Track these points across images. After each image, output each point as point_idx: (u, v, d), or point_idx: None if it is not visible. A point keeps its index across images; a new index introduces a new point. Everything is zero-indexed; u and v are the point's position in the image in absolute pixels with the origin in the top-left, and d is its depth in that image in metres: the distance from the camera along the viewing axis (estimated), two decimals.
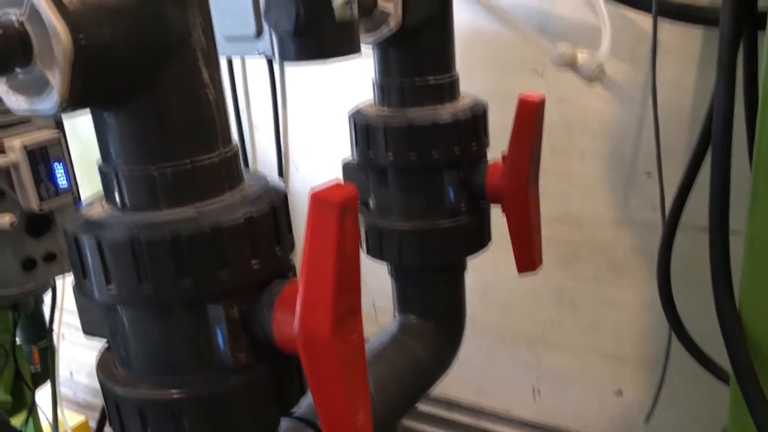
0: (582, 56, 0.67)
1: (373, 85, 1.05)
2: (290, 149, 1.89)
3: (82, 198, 1.23)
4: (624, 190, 1.47)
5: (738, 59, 1.00)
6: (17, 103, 0.57)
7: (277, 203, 0.68)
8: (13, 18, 0.53)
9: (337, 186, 0.59)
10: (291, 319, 0.62)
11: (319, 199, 0.58)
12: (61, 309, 1.78)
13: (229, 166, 0.67)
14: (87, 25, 0.54)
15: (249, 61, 1.84)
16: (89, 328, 0.72)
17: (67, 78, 0.53)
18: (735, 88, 1.03)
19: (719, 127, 1.00)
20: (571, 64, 0.68)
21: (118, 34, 0.56)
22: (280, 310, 0.65)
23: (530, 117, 0.94)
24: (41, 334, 1.52)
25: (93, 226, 0.63)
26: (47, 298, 1.48)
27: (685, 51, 1.30)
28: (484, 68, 1.53)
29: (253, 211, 0.64)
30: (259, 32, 1.70)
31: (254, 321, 0.65)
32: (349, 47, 0.81)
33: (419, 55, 0.98)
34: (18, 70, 0.55)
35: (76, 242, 0.63)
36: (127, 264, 0.61)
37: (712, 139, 1.07)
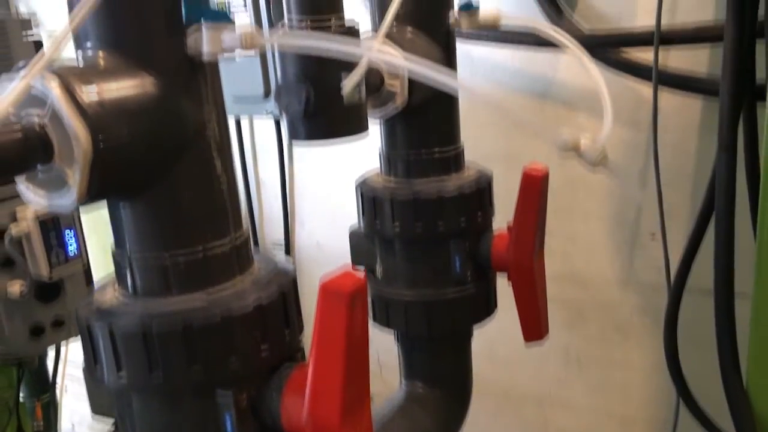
0: (585, 142, 0.68)
1: (380, 154, 1.07)
2: (296, 205, 1.91)
3: (92, 265, 1.25)
4: (628, 251, 1.47)
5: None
6: (36, 198, 0.59)
7: (287, 287, 0.69)
8: (36, 120, 0.55)
9: (346, 275, 0.60)
10: (300, 404, 0.62)
11: (329, 289, 0.59)
12: (65, 362, 1.77)
13: (239, 251, 0.68)
14: (106, 126, 0.56)
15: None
16: (98, 409, 0.73)
17: (85, 177, 0.55)
18: (736, 160, 1.05)
19: (722, 200, 1.02)
20: (575, 150, 0.70)
21: (135, 133, 0.58)
22: (289, 396, 0.65)
23: (534, 190, 0.96)
24: (44, 388, 1.52)
25: (105, 313, 0.64)
26: (51, 350, 1.48)
27: (686, 117, 1.32)
28: (489, 128, 1.55)
29: (263, 297, 0.65)
30: (267, 93, 1.74)
31: (263, 407, 0.66)
32: (358, 128, 0.84)
33: (425, 129, 1.00)
34: (38, 167, 0.57)
35: (89, 329, 0.64)
36: (139, 353, 0.62)
37: (716, 209, 1.09)
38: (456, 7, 0.99)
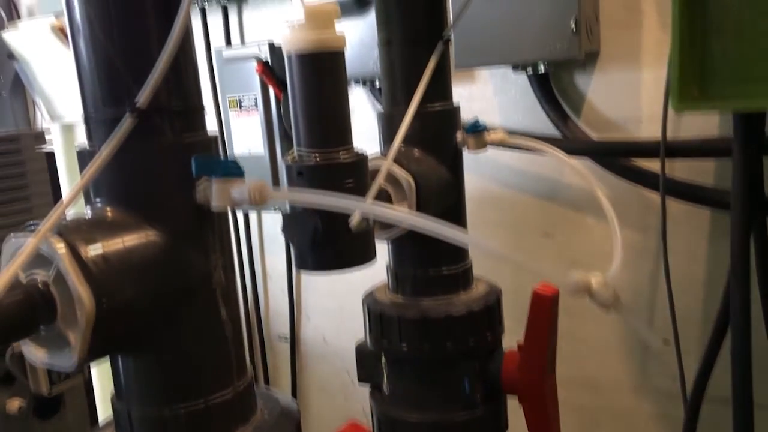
0: (596, 282, 0.67)
1: (387, 269, 1.06)
2: (302, 298, 1.89)
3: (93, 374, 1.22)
4: (641, 356, 1.44)
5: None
6: (36, 356, 0.58)
7: None
8: (39, 279, 0.55)
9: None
10: None
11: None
12: None
13: (243, 398, 0.66)
14: (110, 288, 0.55)
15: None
16: None
17: (86, 341, 0.54)
18: (750, 276, 1.03)
19: (737, 317, 1.00)
20: (586, 292, 0.68)
21: (140, 289, 0.57)
22: None
23: (544, 311, 0.94)
24: None
25: None
26: None
27: (695, 223, 1.32)
28: (496, 229, 1.55)
29: None
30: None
31: None
32: (365, 257, 0.83)
33: (432, 248, 0.99)
34: (41, 326, 0.56)
35: None
36: None
37: (731, 323, 1.06)
38: (463, 128, 1.00)
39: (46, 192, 1.09)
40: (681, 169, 1.26)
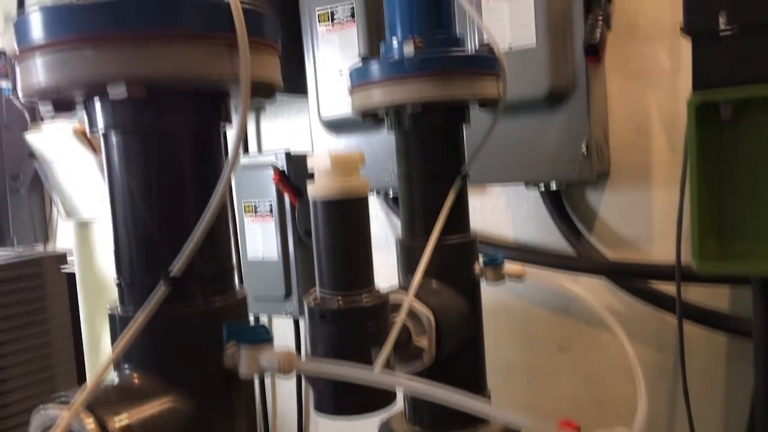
0: None
1: (405, 398, 1.05)
2: (310, 419, 1.86)
3: None
4: None
5: None
6: None
7: None
8: None
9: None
10: None
11: None
12: None
13: None
14: None
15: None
16: None
17: None
18: None
19: None
20: None
21: None
22: None
23: None
24: None
25: None
26: None
27: (712, 345, 1.31)
28: (510, 341, 1.54)
29: None
30: (287, 294, 1.76)
31: None
32: (386, 401, 0.82)
33: (451, 380, 0.98)
34: None
35: None
36: None
37: None
38: (481, 260, 1.01)
39: (65, 313, 1.10)
40: (696, 292, 1.26)
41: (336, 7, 1.53)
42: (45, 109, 0.60)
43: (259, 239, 1.74)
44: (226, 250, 0.65)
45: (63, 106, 0.61)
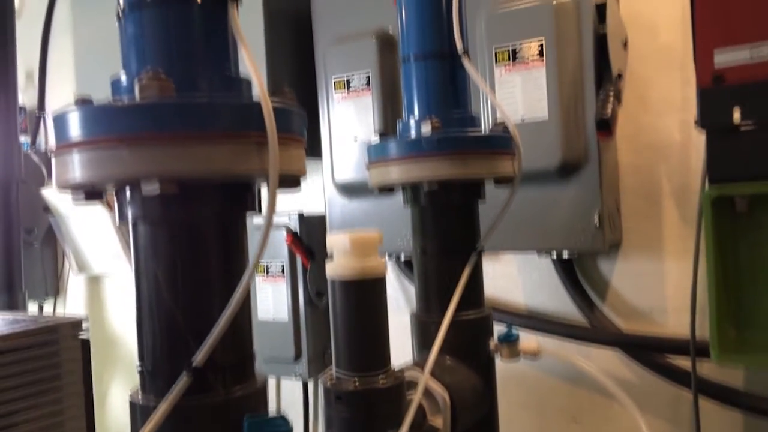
0: None
1: None
2: None
3: None
4: None
5: None
6: None
7: None
8: None
9: None
10: None
11: None
12: None
13: None
14: None
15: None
16: None
17: None
18: None
19: None
20: None
21: None
22: None
23: None
24: None
25: None
26: None
27: (728, 420, 1.28)
28: (520, 412, 1.52)
29: None
30: (297, 356, 1.75)
31: None
32: None
33: None
34: None
35: None
36: None
37: None
38: (496, 337, 1.01)
39: (78, 380, 1.09)
40: (711, 367, 1.25)
41: (352, 75, 1.57)
42: (77, 197, 0.62)
43: (270, 300, 1.75)
44: (247, 338, 0.65)
45: (94, 195, 0.62)
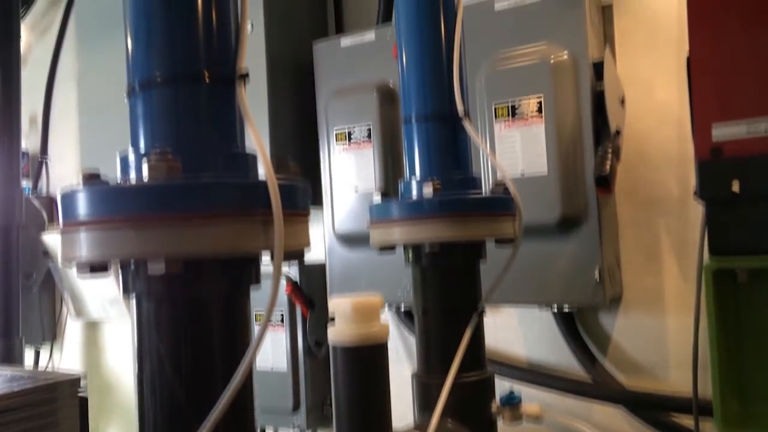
0: None
1: None
2: None
3: None
4: None
5: None
6: None
7: None
8: None
9: None
10: None
11: None
12: None
13: None
14: None
15: None
16: None
17: None
18: None
19: None
20: None
21: None
22: None
23: None
24: None
25: None
26: None
27: None
28: None
29: None
30: (296, 406, 1.73)
31: None
32: None
33: None
34: None
35: None
36: None
37: None
38: (498, 399, 1.00)
39: None
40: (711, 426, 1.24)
41: (353, 127, 1.59)
42: (82, 273, 0.62)
43: (269, 349, 1.73)
44: (249, 414, 0.65)
45: (100, 269, 0.63)
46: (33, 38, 2.50)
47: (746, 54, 0.73)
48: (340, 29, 1.83)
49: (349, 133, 1.60)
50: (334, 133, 1.62)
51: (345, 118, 1.60)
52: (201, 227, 0.56)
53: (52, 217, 2.24)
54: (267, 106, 1.64)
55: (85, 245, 0.58)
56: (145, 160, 0.57)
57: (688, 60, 0.82)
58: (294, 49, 1.73)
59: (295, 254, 0.66)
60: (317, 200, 1.68)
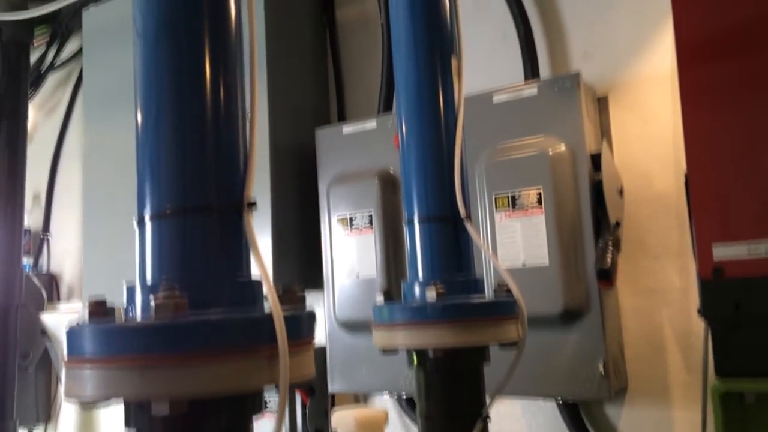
0: None
1: None
2: None
3: None
4: None
5: None
6: None
7: None
8: None
9: None
10: None
11: None
12: None
13: None
14: None
15: None
16: None
17: None
18: None
19: None
20: None
21: None
22: None
23: None
24: None
25: None
26: None
27: None
28: None
29: None
30: None
31: None
32: None
33: None
34: None
35: None
36: None
37: None
38: None
39: None
40: None
41: (355, 213, 1.60)
42: (86, 406, 0.62)
43: None
44: None
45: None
46: (40, 117, 2.55)
47: (745, 175, 0.75)
48: (342, 117, 1.87)
49: (351, 219, 1.61)
50: (336, 218, 1.63)
51: (347, 204, 1.62)
52: (207, 366, 0.56)
53: (52, 296, 2.23)
54: (269, 193, 1.65)
55: (89, 383, 0.57)
56: (152, 298, 0.57)
57: (686, 177, 0.83)
58: (297, 135, 1.76)
59: (300, 385, 0.65)
60: (317, 283, 1.68)
